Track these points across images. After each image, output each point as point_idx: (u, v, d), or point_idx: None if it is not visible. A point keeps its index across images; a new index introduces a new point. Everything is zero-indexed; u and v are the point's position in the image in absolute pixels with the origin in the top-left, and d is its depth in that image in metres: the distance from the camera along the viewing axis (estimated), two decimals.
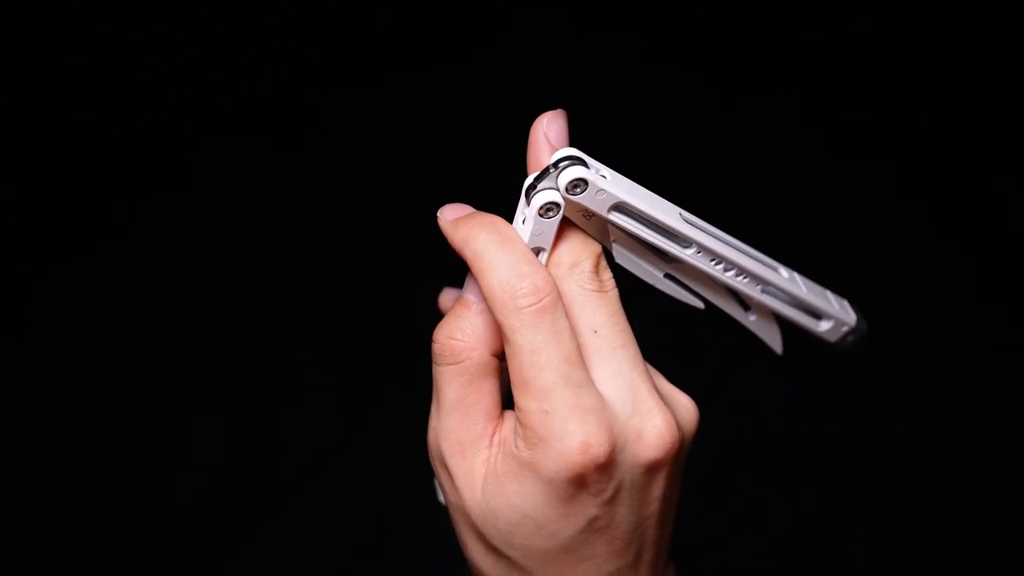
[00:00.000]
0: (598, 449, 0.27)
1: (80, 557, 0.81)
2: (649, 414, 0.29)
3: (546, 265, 0.30)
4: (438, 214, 0.31)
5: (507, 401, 0.31)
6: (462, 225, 0.29)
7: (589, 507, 0.28)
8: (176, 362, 0.94)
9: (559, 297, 0.28)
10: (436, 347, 0.31)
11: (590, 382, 0.28)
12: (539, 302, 0.27)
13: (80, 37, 1.16)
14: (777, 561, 0.83)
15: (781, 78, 1.17)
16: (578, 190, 0.29)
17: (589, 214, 0.30)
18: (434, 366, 0.31)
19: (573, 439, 0.27)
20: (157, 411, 0.91)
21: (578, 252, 0.30)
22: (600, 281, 0.30)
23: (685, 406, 0.31)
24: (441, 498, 0.33)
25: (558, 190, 0.29)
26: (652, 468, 0.29)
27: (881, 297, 0.99)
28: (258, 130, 1.12)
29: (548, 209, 0.29)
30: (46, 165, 1.08)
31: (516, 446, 0.29)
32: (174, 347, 0.95)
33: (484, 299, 0.29)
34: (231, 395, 0.92)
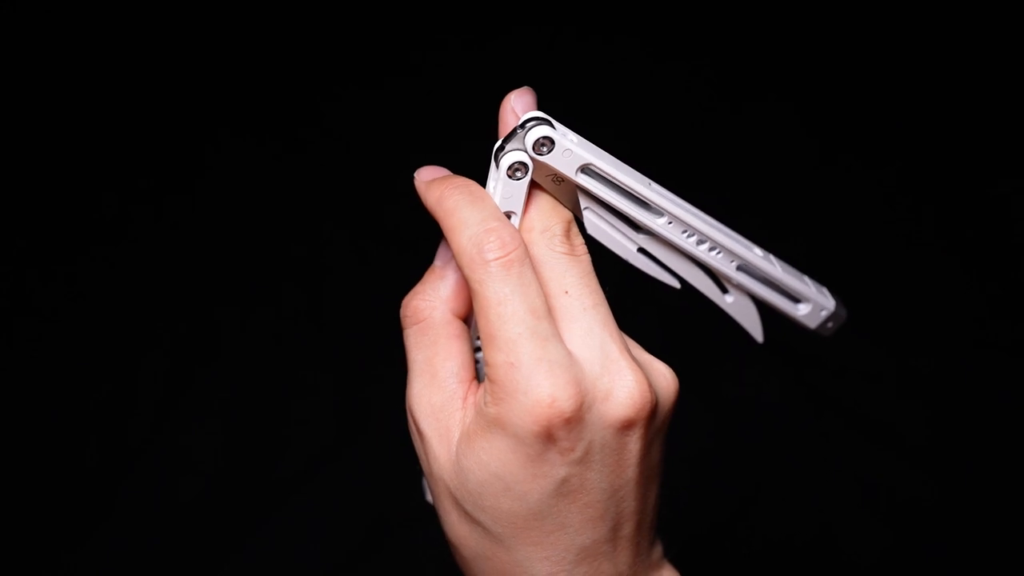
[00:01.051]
0: (564, 403, 0.27)
1: (80, 557, 0.81)
2: (620, 373, 0.28)
3: (518, 229, 0.30)
4: (415, 175, 0.32)
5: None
6: (436, 186, 0.30)
7: (558, 467, 0.28)
8: (175, 362, 0.94)
9: (526, 253, 0.28)
10: (402, 311, 0.32)
11: (557, 336, 0.28)
12: (506, 256, 0.28)
13: (83, 37, 1.16)
14: (776, 561, 0.83)
15: (781, 77, 1.17)
16: (544, 149, 0.29)
17: (559, 179, 0.30)
18: (403, 332, 0.32)
19: (539, 391, 0.27)
20: (156, 411, 0.91)
21: (548, 217, 0.30)
22: (571, 245, 0.30)
23: (662, 373, 0.31)
24: (428, 497, 0.33)
25: (525, 150, 0.29)
26: (624, 428, 0.28)
27: (881, 297, 0.99)
28: (257, 130, 1.12)
29: (516, 170, 0.29)
30: (46, 165, 1.08)
31: (484, 402, 0.28)
32: (174, 347, 0.95)
33: (453, 257, 0.29)
34: (230, 395, 0.92)
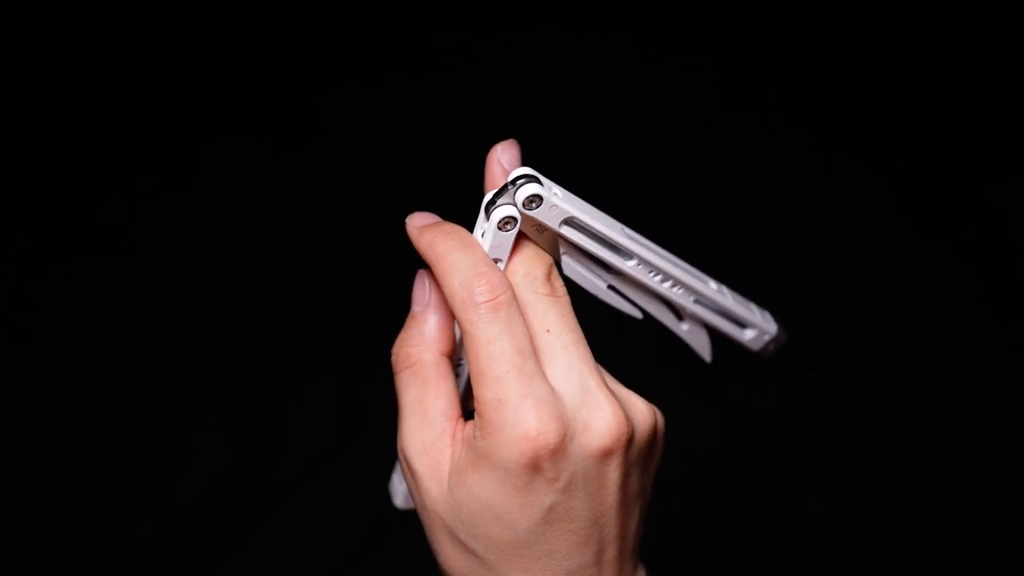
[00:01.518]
0: (549, 436, 0.29)
1: (80, 557, 0.81)
2: (597, 406, 0.30)
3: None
4: (407, 221, 0.34)
5: (468, 414, 0.33)
6: (428, 232, 0.32)
7: (544, 495, 0.29)
8: (175, 362, 0.94)
9: (513, 296, 0.31)
10: (392, 358, 0.34)
11: (541, 374, 0.30)
12: (495, 298, 0.30)
13: (83, 38, 1.16)
14: (776, 562, 0.83)
15: (781, 78, 1.17)
16: (534, 205, 0.32)
17: (542, 228, 0.33)
18: (394, 377, 0.34)
19: (525, 426, 0.29)
20: (156, 411, 0.91)
21: (531, 263, 0.33)
22: (552, 287, 0.33)
23: (638, 407, 0.32)
24: (397, 501, 0.38)
25: (515, 205, 0.32)
26: (603, 457, 0.30)
27: (880, 297, 1.00)
28: (257, 130, 1.12)
29: (506, 223, 0.32)
30: (46, 166, 1.08)
31: (474, 436, 0.30)
32: (174, 347, 0.95)
33: (436, 300, 0.33)
34: (230, 395, 0.92)
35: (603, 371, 0.32)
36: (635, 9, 1.22)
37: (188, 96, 1.14)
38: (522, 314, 0.31)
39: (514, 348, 0.30)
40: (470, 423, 0.32)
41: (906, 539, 0.83)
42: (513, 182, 0.31)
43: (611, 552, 0.32)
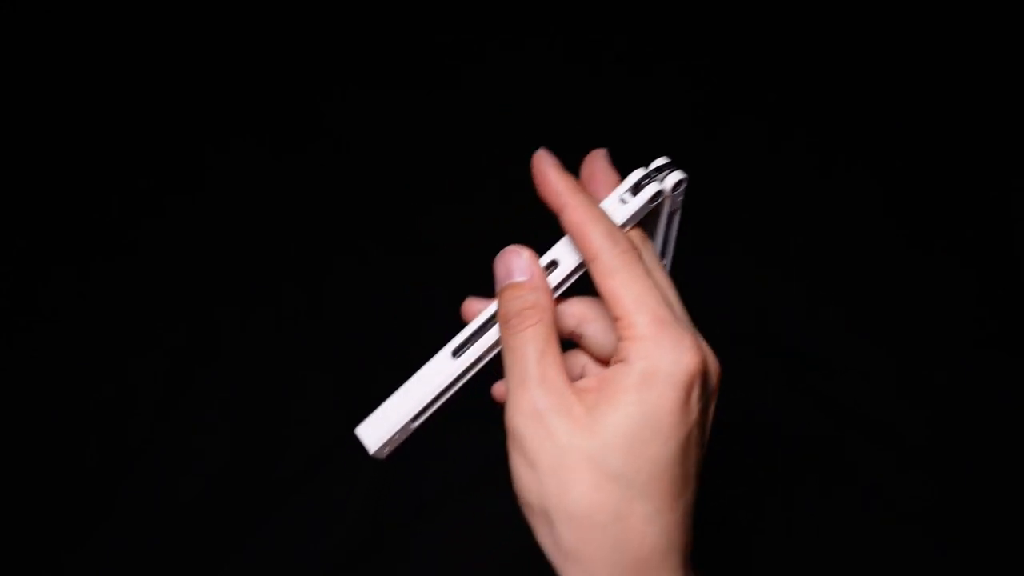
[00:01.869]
0: (701, 353, 0.33)
1: (80, 557, 0.82)
2: (699, 336, 0.35)
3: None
4: (538, 157, 0.37)
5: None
6: (566, 181, 0.37)
7: (693, 413, 0.33)
8: (176, 362, 0.94)
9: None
10: (509, 311, 0.36)
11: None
12: (635, 249, 0.36)
13: (83, 38, 1.16)
14: (776, 562, 0.83)
15: (780, 78, 1.17)
16: (679, 189, 0.39)
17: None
18: (512, 336, 0.36)
19: (689, 340, 0.33)
20: (156, 411, 0.91)
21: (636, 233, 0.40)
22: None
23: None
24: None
25: (662, 186, 0.39)
26: (718, 383, 0.35)
27: (880, 297, 1.00)
28: (257, 130, 1.12)
29: (653, 199, 0.38)
30: (46, 165, 1.08)
31: (629, 360, 0.33)
32: (174, 347, 0.95)
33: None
34: (230, 395, 0.92)
35: None
36: (634, 9, 1.22)
37: (189, 96, 1.14)
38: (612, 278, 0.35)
39: (658, 283, 0.35)
40: (612, 363, 0.34)
41: (906, 539, 0.83)
42: (660, 168, 0.38)
43: (693, 491, 0.35)
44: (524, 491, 0.34)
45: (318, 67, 1.18)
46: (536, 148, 0.38)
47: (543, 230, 0.41)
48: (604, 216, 0.36)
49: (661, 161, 0.39)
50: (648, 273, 0.34)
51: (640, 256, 0.35)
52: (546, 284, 0.37)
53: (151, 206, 1.06)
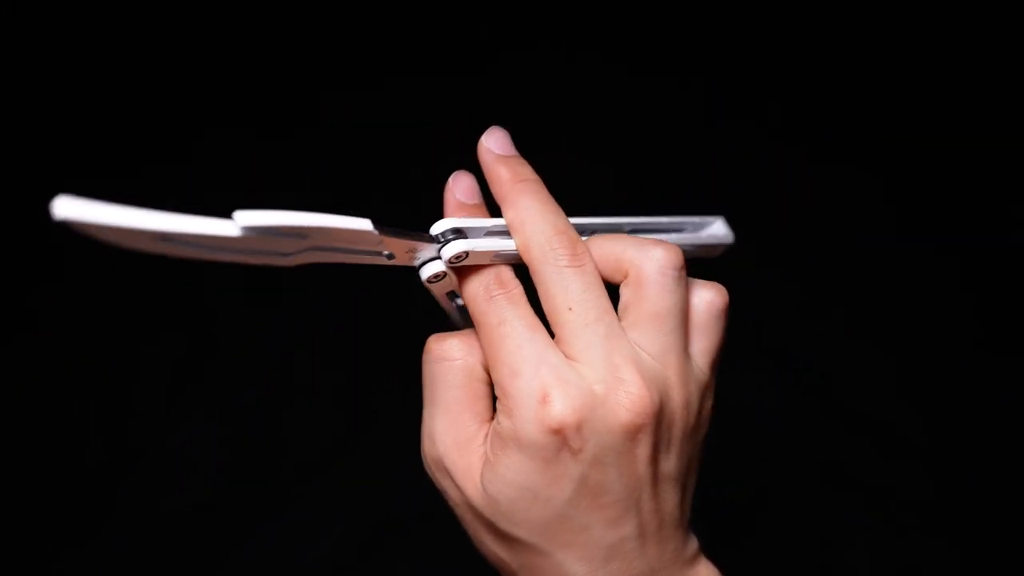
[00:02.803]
0: (565, 401, 0.29)
1: (80, 557, 0.81)
2: (620, 382, 0.30)
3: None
4: (486, 140, 0.34)
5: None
6: (516, 179, 0.33)
7: (572, 467, 0.30)
8: (176, 362, 0.94)
9: (521, 292, 0.32)
10: (433, 345, 0.34)
11: (554, 346, 0.31)
12: (505, 291, 0.32)
13: (83, 38, 1.16)
14: (776, 562, 0.83)
15: (779, 78, 1.17)
16: (460, 260, 0.33)
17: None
18: (428, 365, 0.33)
19: (541, 391, 0.29)
20: (157, 411, 0.91)
21: (549, 234, 0.33)
22: (576, 256, 0.32)
23: (672, 383, 0.32)
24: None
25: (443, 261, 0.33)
26: (628, 433, 0.30)
27: (880, 297, 1.00)
28: (257, 128, 1.12)
29: (435, 277, 0.34)
30: (45, 165, 1.08)
31: (498, 422, 0.31)
32: (174, 347, 0.95)
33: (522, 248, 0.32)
34: (231, 396, 0.92)
35: (640, 345, 0.32)
36: (634, 17, 1.22)
37: (189, 95, 1.14)
38: (543, 291, 0.31)
39: (524, 324, 0.31)
40: (494, 420, 0.32)
41: (906, 539, 0.83)
42: (438, 238, 0.33)
43: (652, 526, 0.32)
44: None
45: (316, 66, 1.18)
46: (532, 146, 0.37)
47: None
48: (481, 276, 0.32)
49: (443, 226, 0.33)
50: (514, 310, 0.31)
51: (513, 296, 0.32)
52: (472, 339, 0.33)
53: (151, 206, 1.05)
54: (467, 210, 0.34)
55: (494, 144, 0.34)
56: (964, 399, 0.91)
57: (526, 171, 0.33)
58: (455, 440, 0.32)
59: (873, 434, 0.90)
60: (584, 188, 0.48)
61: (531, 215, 0.32)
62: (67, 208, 0.25)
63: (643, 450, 0.30)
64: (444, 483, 0.33)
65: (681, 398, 0.31)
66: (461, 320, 0.37)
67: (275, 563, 0.82)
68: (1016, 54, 1.14)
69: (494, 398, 0.33)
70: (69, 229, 0.25)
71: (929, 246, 1.03)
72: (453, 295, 0.35)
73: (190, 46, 1.18)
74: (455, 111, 1.13)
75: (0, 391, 0.91)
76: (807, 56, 1.18)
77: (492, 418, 0.32)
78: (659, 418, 0.30)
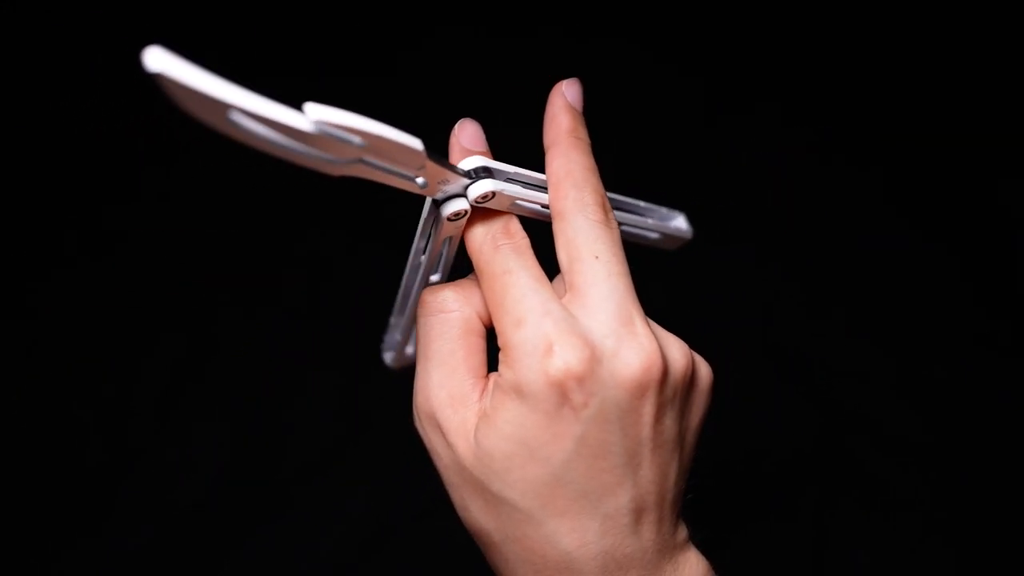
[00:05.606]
0: (571, 353, 0.28)
1: (81, 556, 0.81)
2: (632, 336, 0.30)
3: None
4: (564, 88, 0.35)
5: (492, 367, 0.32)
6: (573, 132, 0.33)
7: (574, 424, 0.29)
8: (176, 362, 0.94)
9: (526, 242, 0.33)
10: (426, 297, 0.33)
11: (557, 299, 0.31)
12: (511, 241, 0.33)
13: (82, 38, 1.16)
14: (776, 562, 0.83)
15: (778, 77, 1.17)
16: (456, 219, 0.33)
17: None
18: (423, 319, 0.33)
19: (546, 341, 0.29)
20: (157, 412, 0.91)
21: (581, 188, 0.33)
22: (606, 216, 0.32)
23: (676, 347, 0.32)
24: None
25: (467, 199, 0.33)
26: (635, 390, 0.29)
27: (880, 297, 1.00)
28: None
29: (456, 215, 0.34)
30: (45, 166, 1.08)
31: (499, 375, 0.30)
32: (174, 347, 0.95)
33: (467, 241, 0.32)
34: (230, 396, 0.92)
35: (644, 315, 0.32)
36: (634, 8, 1.22)
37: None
38: (571, 238, 0.31)
39: (529, 275, 0.30)
40: (494, 374, 0.31)
41: (906, 539, 0.83)
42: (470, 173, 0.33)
43: (650, 500, 0.31)
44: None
45: (313, 60, 1.18)
46: (534, 141, 0.37)
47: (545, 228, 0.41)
48: (488, 224, 0.32)
49: (475, 163, 0.34)
50: (520, 261, 0.31)
51: (525, 251, 0.31)
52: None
53: (151, 205, 1.06)
54: (472, 155, 0.34)
55: (570, 94, 0.35)
56: (964, 399, 0.91)
57: (584, 132, 0.34)
58: (450, 395, 0.31)
59: (873, 434, 0.90)
60: None
61: (579, 168, 0.32)
62: (158, 61, 0.25)
63: (648, 409, 0.30)
64: (434, 440, 0.32)
65: (684, 367, 0.31)
66: (443, 272, 0.37)
67: (275, 563, 0.82)
68: (1016, 54, 1.14)
69: (490, 355, 0.33)
70: (155, 84, 0.25)
71: (929, 246, 1.03)
72: (448, 242, 0.35)
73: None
74: (457, 97, 1.13)
75: (0, 391, 0.91)
76: (807, 55, 1.18)
77: (487, 375, 0.32)
78: (665, 379, 0.30)
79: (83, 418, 0.89)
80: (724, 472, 0.87)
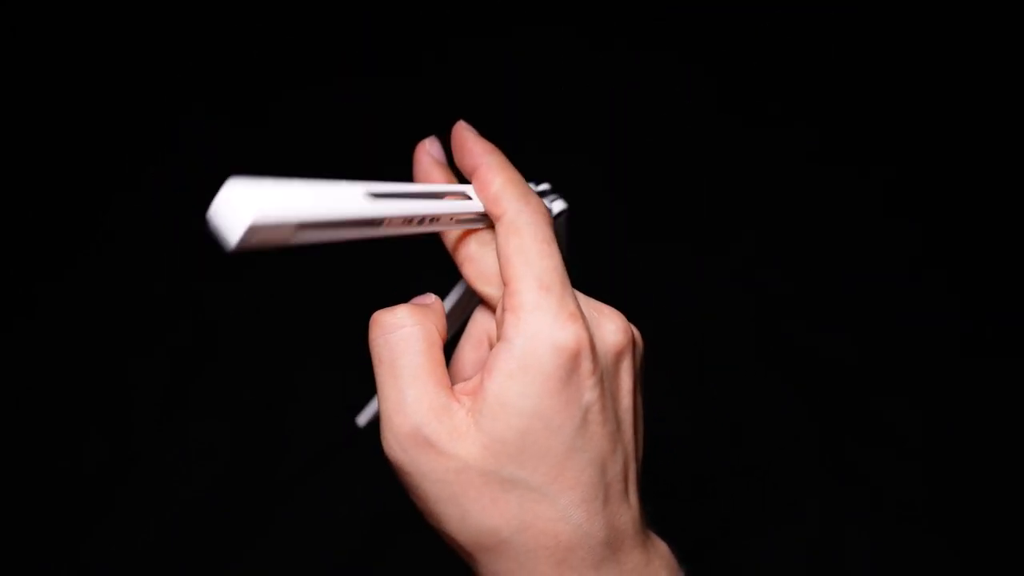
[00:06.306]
0: (584, 326, 0.30)
1: (81, 556, 0.82)
2: (605, 310, 0.32)
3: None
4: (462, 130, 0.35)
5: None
6: (491, 153, 0.34)
7: (583, 391, 0.30)
8: (176, 362, 0.94)
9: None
10: (380, 320, 0.33)
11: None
12: (546, 212, 0.33)
13: (83, 38, 1.16)
14: (776, 562, 0.83)
15: (777, 79, 1.17)
16: (559, 218, 0.36)
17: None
18: (383, 338, 0.33)
19: (571, 307, 0.30)
20: (157, 411, 0.91)
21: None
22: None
23: (622, 318, 0.33)
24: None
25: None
26: (618, 356, 0.32)
27: (880, 297, 1.00)
28: (258, 127, 1.12)
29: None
30: (45, 166, 1.08)
31: (509, 346, 0.30)
32: (174, 347, 0.95)
33: (496, 205, 0.32)
34: (231, 396, 0.92)
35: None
36: (633, 9, 1.22)
37: (188, 95, 1.15)
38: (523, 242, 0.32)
39: (556, 250, 0.31)
40: (470, 382, 0.31)
41: (906, 539, 0.83)
42: (544, 193, 0.36)
43: (631, 466, 0.32)
44: (438, 529, 0.32)
45: (312, 61, 1.18)
46: (527, 142, 0.38)
47: None
48: (521, 179, 0.33)
49: (545, 186, 0.36)
50: (555, 239, 0.32)
51: (551, 221, 0.32)
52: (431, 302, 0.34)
53: (151, 205, 1.06)
54: (440, 168, 0.35)
55: (434, 150, 0.37)
56: (963, 399, 0.91)
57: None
58: (431, 407, 0.30)
59: (873, 434, 0.90)
60: (580, 187, 0.48)
61: (515, 179, 0.34)
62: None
63: (626, 376, 0.32)
64: (420, 460, 0.31)
65: (639, 336, 0.34)
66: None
67: (275, 563, 0.82)
68: (1016, 54, 1.14)
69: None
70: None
71: (929, 246, 1.03)
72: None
73: (191, 57, 1.18)
74: (455, 95, 1.13)
75: (0, 391, 0.91)
76: (807, 54, 1.18)
77: (453, 386, 0.31)
78: (635, 347, 0.32)
79: (83, 418, 0.89)
80: (724, 472, 0.87)
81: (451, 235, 0.34)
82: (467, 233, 0.34)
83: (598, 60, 1.19)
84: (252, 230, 0.25)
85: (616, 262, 0.92)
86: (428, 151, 0.36)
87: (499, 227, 0.32)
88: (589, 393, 0.30)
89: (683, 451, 0.85)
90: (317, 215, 0.27)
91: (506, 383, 0.30)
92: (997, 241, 1.03)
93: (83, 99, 1.13)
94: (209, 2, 1.19)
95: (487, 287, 0.33)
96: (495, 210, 0.32)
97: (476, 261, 0.34)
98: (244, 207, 0.25)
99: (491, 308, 0.34)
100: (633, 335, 0.32)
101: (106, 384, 0.92)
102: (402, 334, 0.32)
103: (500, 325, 0.31)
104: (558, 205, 0.36)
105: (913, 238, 1.04)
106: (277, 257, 1.09)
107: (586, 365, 0.30)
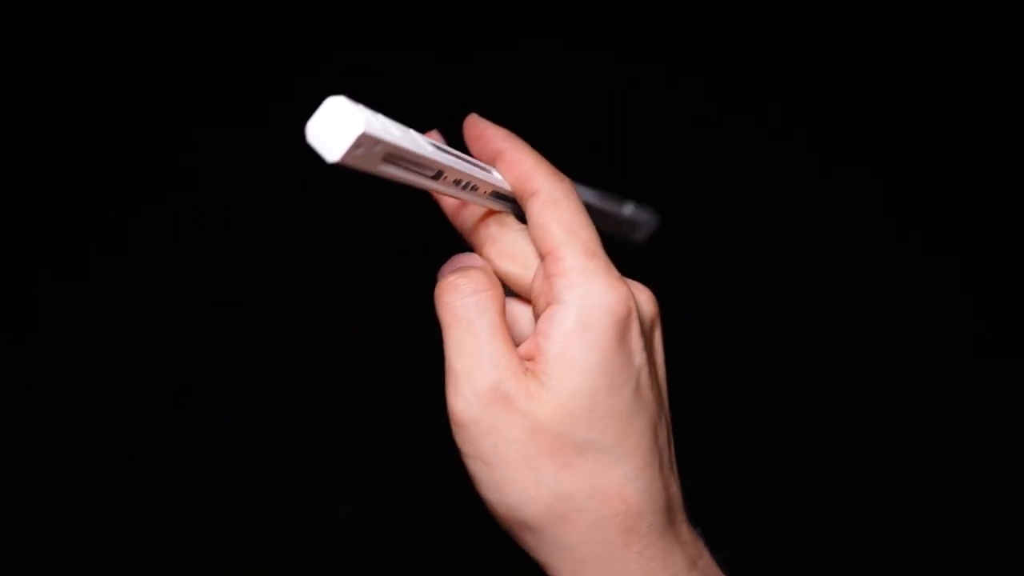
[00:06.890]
0: (628, 289, 0.31)
1: (81, 557, 0.82)
2: (631, 281, 0.33)
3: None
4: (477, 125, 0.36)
5: None
6: (511, 138, 0.35)
7: (635, 353, 0.31)
8: (176, 363, 0.94)
9: None
10: (460, 281, 0.32)
11: None
12: (574, 187, 0.34)
13: (82, 38, 1.16)
14: (776, 562, 0.83)
15: (777, 79, 1.17)
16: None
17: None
18: (461, 300, 0.32)
19: (616, 274, 0.31)
20: (157, 412, 0.91)
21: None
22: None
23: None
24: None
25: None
26: (653, 322, 0.33)
27: (880, 297, 0.99)
28: (258, 128, 1.12)
29: (631, 224, 0.40)
30: (45, 166, 1.08)
31: (563, 308, 0.30)
32: (174, 347, 0.95)
33: (528, 183, 0.33)
34: (231, 396, 0.92)
35: None
36: (631, 15, 1.22)
37: (189, 95, 1.14)
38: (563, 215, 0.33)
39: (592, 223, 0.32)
40: (527, 343, 0.31)
41: (906, 539, 0.83)
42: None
43: (669, 434, 0.33)
44: (493, 503, 0.30)
45: (316, 63, 1.18)
46: (526, 141, 0.37)
47: None
48: (544, 159, 0.34)
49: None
50: (586, 212, 0.32)
51: (579, 197, 0.33)
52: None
53: (151, 206, 1.06)
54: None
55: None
56: (964, 399, 0.91)
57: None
58: (509, 365, 0.30)
59: (873, 434, 0.90)
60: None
61: (540, 161, 0.35)
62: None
63: (659, 345, 0.33)
64: (501, 417, 0.30)
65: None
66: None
67: (275, 563, 0.82)
68: (1016, 54, 1.14)
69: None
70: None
71: (929, 246, 1.03)
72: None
73: (184, 60, 1.18)
74: (455, 96, 1.13)
75: (1, 391, 0.91)
76: (807, 54, 1.18)
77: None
78: (639, 308, 0.32)
79: (83, 418, 0.89)
80: (724, 472, 0.87)
81: (470, 219, 0.35)
82: (487, 215, 0.35)
83: (598, 61, 1.19)
84: (362, 138, 0.25)
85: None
86: (481, 119, 0.36)
87: (534, 202, 0.32)
88: (639, 356, 0.31)
89: (682, 451, 0.85)
90: (405, 146, 0.28)
91: (567, 340, 0.30)
92: (997, 241, 1.03)
93: (83, 99, 1.13)
94: (209, 2, 1.19)
95: (510, 264, 0.33)
96: (528, 187, 0.33)
97: (498, 240, 0.34)
98: (352, 119, 0.25)
99: (509, 286, 0.34)
100: (657, 308, 0.34)
101: (106, 384, 0.92)
102: (480, 297, 0.32)
103: (542, 294, 0.31)
104: (648, 225, 0.38)
105: (913, 238, 1.04)
106: (277, 257, 1.09)
107: (635, 328, 0.30)
